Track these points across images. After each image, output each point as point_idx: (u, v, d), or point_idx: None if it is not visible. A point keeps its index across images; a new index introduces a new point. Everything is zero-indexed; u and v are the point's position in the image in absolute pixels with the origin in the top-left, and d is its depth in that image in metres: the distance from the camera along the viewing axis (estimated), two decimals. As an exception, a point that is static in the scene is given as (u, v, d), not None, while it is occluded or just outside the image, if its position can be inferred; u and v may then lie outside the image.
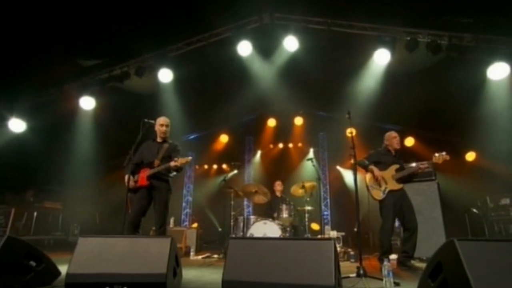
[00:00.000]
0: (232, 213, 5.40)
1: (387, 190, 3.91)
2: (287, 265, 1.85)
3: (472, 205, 5.70)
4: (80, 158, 6.30)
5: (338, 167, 9.40)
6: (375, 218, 4.09)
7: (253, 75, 6.74)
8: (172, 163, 3.51)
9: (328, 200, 9.00)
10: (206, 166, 9.95)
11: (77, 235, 6.53)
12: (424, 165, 4.04)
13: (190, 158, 3.48)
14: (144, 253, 2.10)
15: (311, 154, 9.65)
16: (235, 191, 5.55)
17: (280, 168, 9.26)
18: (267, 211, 5.78)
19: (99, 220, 7.24)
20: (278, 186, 6.13)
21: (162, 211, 3.49)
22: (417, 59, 6.15)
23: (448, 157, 3.86)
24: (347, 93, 7.50)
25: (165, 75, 6.18)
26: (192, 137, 9.76)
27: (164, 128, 3.79)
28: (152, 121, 3.74)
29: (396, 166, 4.07)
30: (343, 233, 6.57)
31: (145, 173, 3.58)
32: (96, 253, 2.13)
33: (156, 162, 3.58)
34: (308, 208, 5.39)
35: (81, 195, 6.98)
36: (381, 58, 5.88)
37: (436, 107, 7.28)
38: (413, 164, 4.31)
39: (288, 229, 4.99)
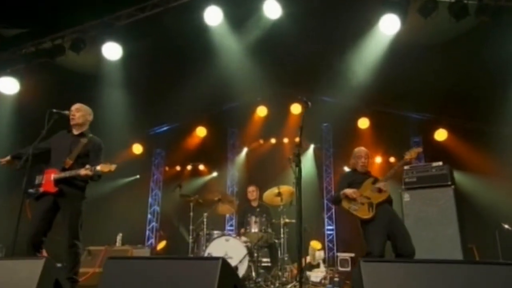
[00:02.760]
0: (191, 227, 5.38)
1: (374, 204, 3.96)
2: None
3: (506, 219, 5.55)
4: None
5: (346, 168, 9.26)
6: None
7: (224, 50, 6.67)
8: (83, 171, 3.44)
9: (333, 211, 8.90)
10: (178, 168, 10.01)
11: None
12: (393, 169, 4.16)
13: (113, 166, 3.39)
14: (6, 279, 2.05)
15: (311, 151, 9.57)
16: (196, 200, 5.51)
17: (272, 169, 9.21)
18: (238, 225, 5.76)
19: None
20: (250, 193, 6.14)
21: (73, 225, 3.44)
22: (438, 27, 5.99)
23: (420, 150, 4.19)
24: (351, 71, 7.41)
25: (112, 51, 6.16)
26: (159, 130, 9.83)
27: (73, 113, 3.70)
28: (66, 112, 3.69)
29: (371, 179, 4.16)
30: (352, 254, 6.47)
31: (51, 175, 3.51)
32: None
33: (68, 162, 3.51)
34: (286, 220, 5.30)
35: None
36: (389, 26, 5.74)
37: (468, 89, 7.14)
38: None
39: (256, 247, 4.92)
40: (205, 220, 5.28)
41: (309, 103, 3.61)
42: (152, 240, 9.48)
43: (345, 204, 4.09)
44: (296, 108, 9.33)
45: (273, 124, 9.67)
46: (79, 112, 3.76)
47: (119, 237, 6.06)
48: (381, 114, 8.82)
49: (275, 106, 9.43)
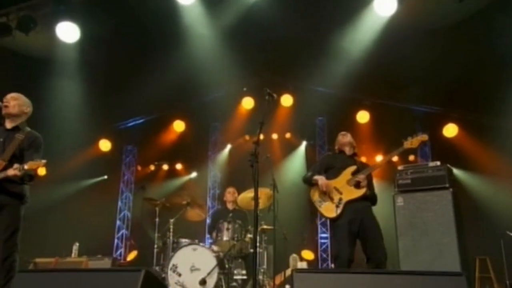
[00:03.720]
0: (157, 234, 5.41)
1: (342, 201, 3.94)
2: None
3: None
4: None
5: (342, 169, 9.34)
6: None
7: (200, 33, 6.70)
8: (11, 171, 3.35)
9: (328, 218, 8.97)
10: (152, 167, 10.03)
11: None
12: (387, 157, 4.22)
13: (43, 162, 3.34)
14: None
15: (302, 148, 9.60)
16: (162, 204, 5.53)
17: (260, 168, 9.24)
18: (208, 230, 5.82)
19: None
20: (230, 194, 6.13)
21: (9, 235, 3.43)
22: (440, 10, 6.03)
23: (426, 138, 4.03)
24: (347, 58, 7.45)
25: (68, 32, 6.13)
26: (130, 124, 9.85)
27: (7, 101, 3.60)
28: None
29: (352, 168, 4.10)
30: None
31: (-19, 178, 3.44)
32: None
33: (0, 163, 3.47)
34: (264, 227, 5.36)
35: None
36: (384, 6, 5.76)
37: (479, 78, 7.18)
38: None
39: (228, 258, 4.95)
40: (171, 227, 5.28)
41: (275, 95, 3.62)
42: (122, 250, 9.50)
43: (313, 194, 4.10)
44: (287, 100, 9.35)
45: (260, 117, 9.65)
46: (14, 101, 3.65)
47: (75, 247, 6.06)
48: (383, 107, 8.85)
49: (263, 97, 9.40)
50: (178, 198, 5.65)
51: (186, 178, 9.96)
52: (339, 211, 3.92)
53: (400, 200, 5.13)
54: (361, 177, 3.98)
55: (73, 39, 6.23)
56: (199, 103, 9.47)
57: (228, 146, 10.19)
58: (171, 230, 5.31)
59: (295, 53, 8.16)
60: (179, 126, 9.85)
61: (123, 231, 9.78)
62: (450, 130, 8.67)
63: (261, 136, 3.49)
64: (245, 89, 9.66)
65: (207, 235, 9.15)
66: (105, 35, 6.49)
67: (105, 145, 9.51)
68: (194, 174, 9.99)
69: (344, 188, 4.00)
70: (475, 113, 8.28)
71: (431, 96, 8.25)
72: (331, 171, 4.18)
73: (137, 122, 9.84)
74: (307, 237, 8.12)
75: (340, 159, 4.27)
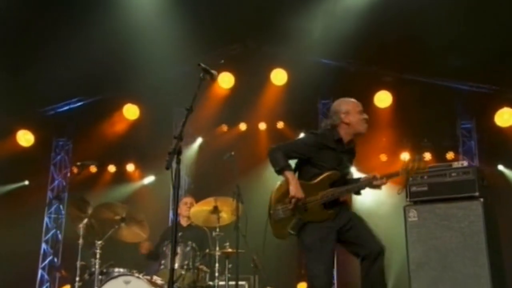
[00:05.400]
0: (80, 263, 5.49)
1: (299, 223, 4.07)
2: None
3: None
4: None
5: (351, 169, 9.34)
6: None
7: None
8: None
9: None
10: (93, 168, 10.12)
11: None
12: (381, 180, 4.15)
13: None
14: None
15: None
16: (88, 220, 5.64)
17: (242, 170, 9.32)
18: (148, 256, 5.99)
19: None
20: (185, 207, 6.30)
21: None
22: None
23: (426, 163, 4.15)
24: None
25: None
26: (64, 108, 9.91)
27: None
28: None
29: (336, 174, 4.15)
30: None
31: None
32: None
33: None
34: (228, 250, 5.52)
35: None
36: None
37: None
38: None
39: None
40: (98, 251, 5.34)
41: (214, 73, 3.65)
42: (48, 285, 9.57)
43: (276, 192, 4.15)
44: (279, 76, 9.44)
45: (244, 101, 9.77)
46: None
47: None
48: (411, 85, 8.93)
49: (247, 72, 9.55)
50: (108, 213, 5.69)
51: (140, 184, 10.03)
52: (292, 231, 4.08)
53: (413, 215, 5.15)
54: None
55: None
56: (157, 81, 9.50)
57: (199, 140, 10.27)
58: (98, 256, 5.35)
59: (288, 11, 8.16)
60: (131, 112, 9.92)
61: (50, 258, 9.78)
62: (505, 117, 8.73)
63: (185, 130, 3.48)
64: (222, 61, 9.69)
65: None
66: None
67: (25, 138, 9.55)
68: (151, 179, 10.05)
69: (312, 204, 4.05)
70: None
71: (478, 70, 8.31)
72: (313, 170, 4.19)
73: (73, 106, 9.89)
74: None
75: (331, 151, 4.23)
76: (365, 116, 4.30)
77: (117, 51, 8.18)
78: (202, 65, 3.55)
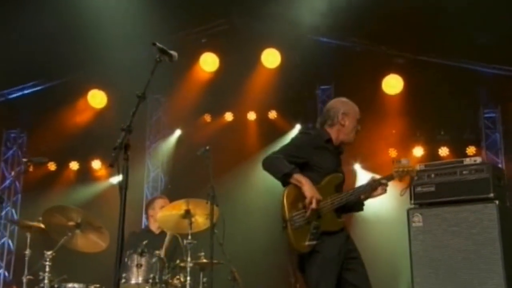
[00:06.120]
0: (27, 278, 5.46)
1: (318, 232, 4.11)
2: None
3: None
4: None
5: (355, 166, 9.52)
6: None
7: None
8: None
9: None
10: (53, 165, 10.11)
11: None
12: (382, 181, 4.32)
13: None
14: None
15: (294, 134, 9.64)
16: (38, 227, 5.63)
17: (227, 167, 9.36)
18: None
19: None
20: (153, 211, 6.41)
21: None
22: None
23: (414, 173, 4.38)
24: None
25: None
26: (17, 94, 9.90)
27: None
28: None
29: (340, 177, 4.34)
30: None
31: None
32: None
33: None
34: (203, 261, 5.56)
35: None
36: None
37: None
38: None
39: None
40: (47, 263, 5.31)
41: (173, 54, 3.59)
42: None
43: (287, 199, 4.11)
44: (271, 58, 9.47)
45: (229, 86, 9.74)
46: None
47: None
48: (426, 68, 8.91)
49: (233, 53, 9.53)
50: (60, 218, 5.63)
51: (107, 183, 10.02)
52: (313, 243, 4.05)
53: (417, 219, 5.16)
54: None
55: None
56: (130, 63, 9.43)
57: (177, 133, 10.29)
58: (47, 269, 5.32)
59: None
60: (97, 99, 9.95)
61: (1, 271, 9.85)
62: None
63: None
64: (204, 40, 9.70)
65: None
66: None
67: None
68: (120, 177, 9.95)
69: (325, 210, 4.13)
70: None
71: (505, 50, 8.25)
72: (312, 174, 4.23)
73: (27, 92, 9.89)
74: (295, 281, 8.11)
75: (328, 153, 4.37)
76: (359, 127, 4.44)
77: (80, 26, 8.18)
78: (158, 44, 3.51)
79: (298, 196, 4.05)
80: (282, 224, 4.13)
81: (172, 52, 3.55)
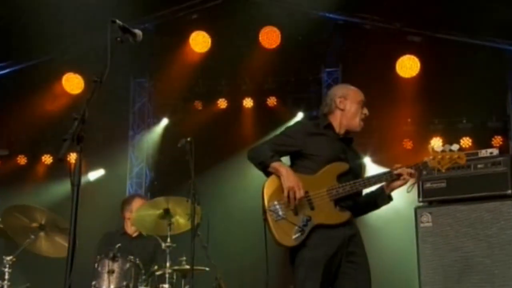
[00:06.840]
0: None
1: (309, 225, 4.10)
2: None
3: None
4: None
5: (365, 159, 9.38)
6: None
7: None
8: None
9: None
10: (23, 158, 10.22)
11: None
12: (403, 170, 4.21)
13: None
14: None
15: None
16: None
17: (217, 158, 9.57)
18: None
19: None
20: (130, 214, 6.45)
21: None
22: None
23: (463, 160, 4.32)
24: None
25: None
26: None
27: None
28: None
29: (343, 166, 4.28)
30: None
31: None
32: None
33: None
34: (185, 267, 5.48)
35: None
36: None
37: None
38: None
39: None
40: (6, 270, 5.35)
41: (137, 33, 3.62)
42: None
43: (268, 191, 4.18)
44: (269, 36, 9.47)
45: (223, 69, 9.86)
46: None
47: None
48: (445, 47, 8.94)
49: (227, 31, 9.59)
50: (22, 218, 5.63)
51: (84, 179, 9.96)
52: (299, 238, 4.07)
53: (426, 219, 5.20)
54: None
55: None
56: (110, 43, 9.51)
57: (164, 122, 10.35)
58: (7, 276, 5.35)
59: None
60: (73, 83, 9.99)
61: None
62: None
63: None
64: (194, 16, 9.73)
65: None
66: None
67: None
68: (99, 173, 10.09)
69: (319, 200, 4.14)
70: None
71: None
72: (306, 163, 4.31)
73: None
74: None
75: (325, 139, 4.38)
76: (365, 111, 4.43)
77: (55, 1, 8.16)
78: (118, 22, 3.51)
79: (281, 186, 4.10)
80: (262, 216, 4.16)
81: (135, 30, 3.56)
